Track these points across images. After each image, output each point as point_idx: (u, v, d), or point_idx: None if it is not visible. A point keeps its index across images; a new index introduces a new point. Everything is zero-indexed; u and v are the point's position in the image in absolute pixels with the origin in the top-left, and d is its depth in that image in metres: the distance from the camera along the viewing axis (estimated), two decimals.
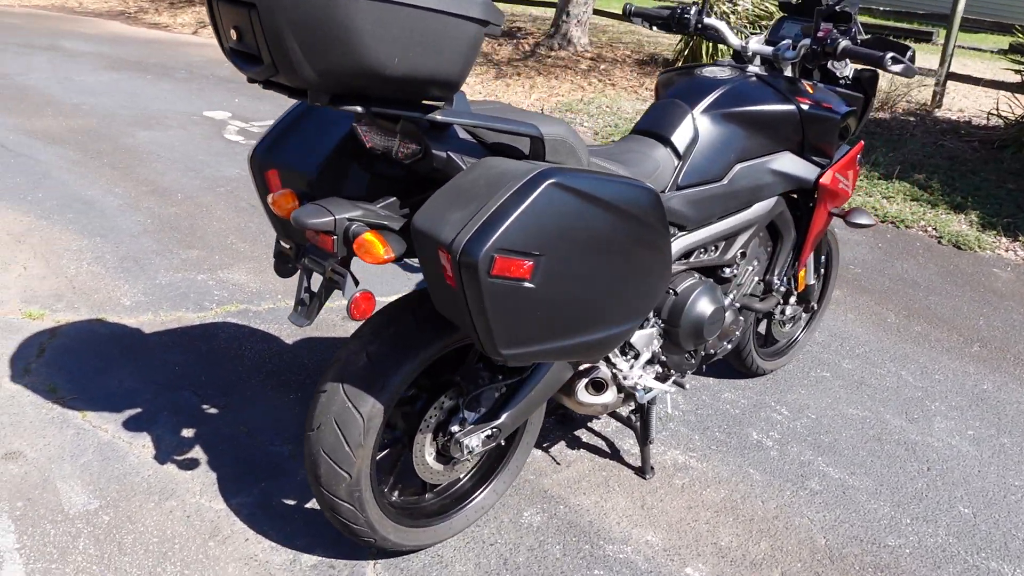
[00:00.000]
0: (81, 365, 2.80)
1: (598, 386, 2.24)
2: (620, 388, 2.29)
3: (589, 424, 2.75)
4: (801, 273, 2.97)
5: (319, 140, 1.84)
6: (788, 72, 2.54)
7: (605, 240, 1.67)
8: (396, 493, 2.08)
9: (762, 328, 3.11)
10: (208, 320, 3.20)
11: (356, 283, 1.77)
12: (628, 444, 2.67)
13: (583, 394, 2.21)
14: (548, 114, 2.05)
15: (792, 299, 3.01)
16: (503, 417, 2.02)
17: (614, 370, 2.25)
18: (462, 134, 1.71)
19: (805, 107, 2.42)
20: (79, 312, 3.15)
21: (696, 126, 2.31)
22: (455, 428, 1.99)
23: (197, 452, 2.43)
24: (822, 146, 2.53)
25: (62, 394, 2.63)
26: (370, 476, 1.87)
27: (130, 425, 2.52)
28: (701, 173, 2.31)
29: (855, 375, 3.24)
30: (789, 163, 2.49)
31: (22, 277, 3.39)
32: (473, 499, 2.19)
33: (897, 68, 2.29)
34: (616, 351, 2.26)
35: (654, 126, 2.36)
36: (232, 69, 7.59)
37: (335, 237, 1.69)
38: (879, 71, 2.58)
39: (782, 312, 3.04)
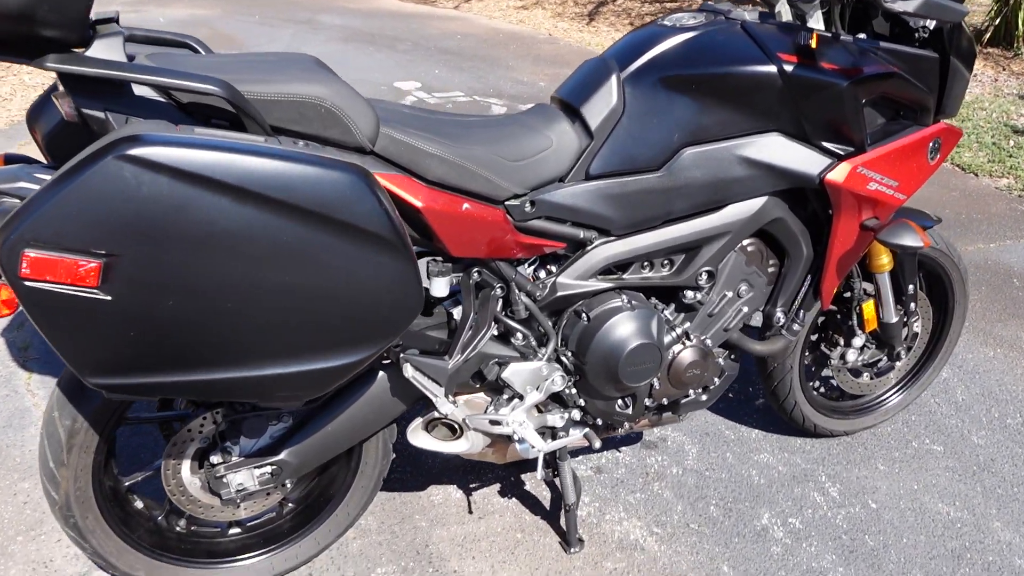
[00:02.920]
0: None
1: (451, 428, 1.73)
2: (490, 434, 1.75)
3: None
4: (868, 306, 2.15)
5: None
6: (814, 24, 1.78)
7: (246, 241, 1.18)
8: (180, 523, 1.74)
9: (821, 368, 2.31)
10: None
11: None
12: (585, 499, 2.09)
13: (419, 436, 1.71)
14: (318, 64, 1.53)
15: (858, 341, 2.20)
16: (283, 454, 1.60)
17: (468, 411, 1.72)
18: (142, 91, 1.30)
19: (790, 68, 1.67)
20: None
21: (623, 94, 1.69)
22: (216, 459, 1.60)
23: None
24: (835, 126, 1.75)
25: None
26: (96, 502, 1.55)
27: None
28: (625, 158, 1.69)
29: (980, 456, 2.32)
30: (775, 149, 1.75)
31: None
32: (286, 545, 1.78)
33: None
34: (481, 385, 1.74)
35: (568, 94, 1.78)
36: (459, 42, 7.56)
37: None
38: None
39: (841, 358, 2.23)
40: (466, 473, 2.15)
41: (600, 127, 1.69)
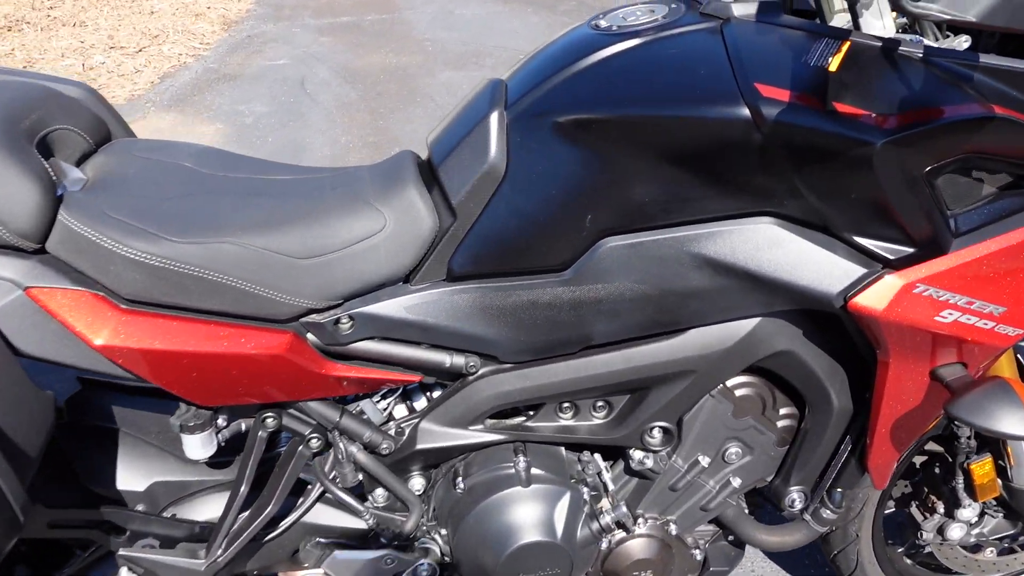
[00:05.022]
0: None
1: None
2: None
3: None
4: (981, 467, 1.35)
5: None
6: (881, 26, 1.02)
7: None
8: None
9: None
10: None
11: None
12: None
13: None
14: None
15: (967, 512, 1.40)
16: None
17: None
18: None
19: (773, 112, 0.94)
20: None
21: (506, 145, 1.05)
22: None
23: None
24: (873, 212, 0.99)
25: None
26: None
27: None
28: (508, 250, 1.06)
29: None
30: (763, 247, 1.02)
31: None
32: None
33: None
34: None
35: (436, 141, 1.14)
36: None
37: None
38: None
39: (938, 533, 1.44)
40: None
41: (466, 199, 1.06)
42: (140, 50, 5.53)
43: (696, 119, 0.97)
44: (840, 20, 1.12)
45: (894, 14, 1.01)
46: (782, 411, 1.21)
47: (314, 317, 1.07)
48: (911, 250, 1.01)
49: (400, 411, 1.21)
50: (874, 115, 0.94)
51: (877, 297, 1.00)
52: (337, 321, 1.07)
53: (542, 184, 1.03)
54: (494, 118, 1.05)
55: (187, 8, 6.62)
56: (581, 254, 1.04)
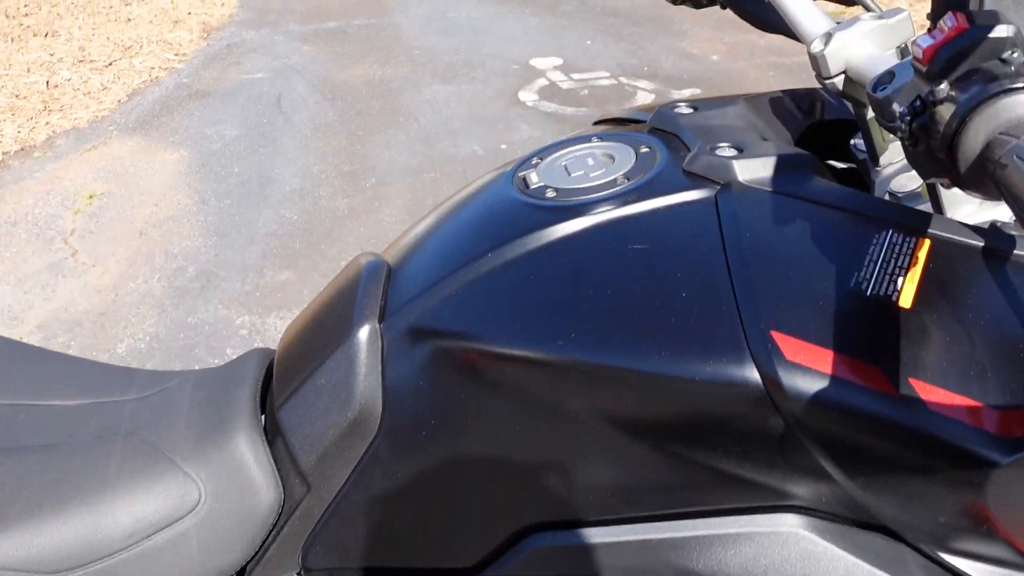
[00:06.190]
0: None
1: None
2: None
3: None
4: None
5: None
6: (885, 166, 0.67)
7: None
8: None
9: None
10: None
11: None
12: None
13: None
14: None
15: None
16: None
17: None
18: None
19: (795, 380, 0.58)
20: None
21: (383, 382, 0.70)
22: None
23: None
24: (968, 530, 0.59)
25: None
26: None
27: None
28: (389, 541, 0.71)
29: None
30: (794, 562, 0.64)
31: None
32: None
33: None
34: None
35: (285, 354, 0.80)
36: (622, 4, 6.35)
37: None
38: None
39: None
40: None
41: (322, 462, 0.72)
42: (110, 64, 5.19)
43: (676, 380, 0.62)
44: (894, 158, 0.76)
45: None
46: None
47: None
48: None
49: None
50: (990, 409, 0.55)
51: None
52: None
53: (438, 444, 0.69)
54: (362, 337, 0.71)
55: (166, 14, 6.28)
56: (500, 554, 0.70)
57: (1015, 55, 0.49)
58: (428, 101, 4.51)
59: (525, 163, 0.78)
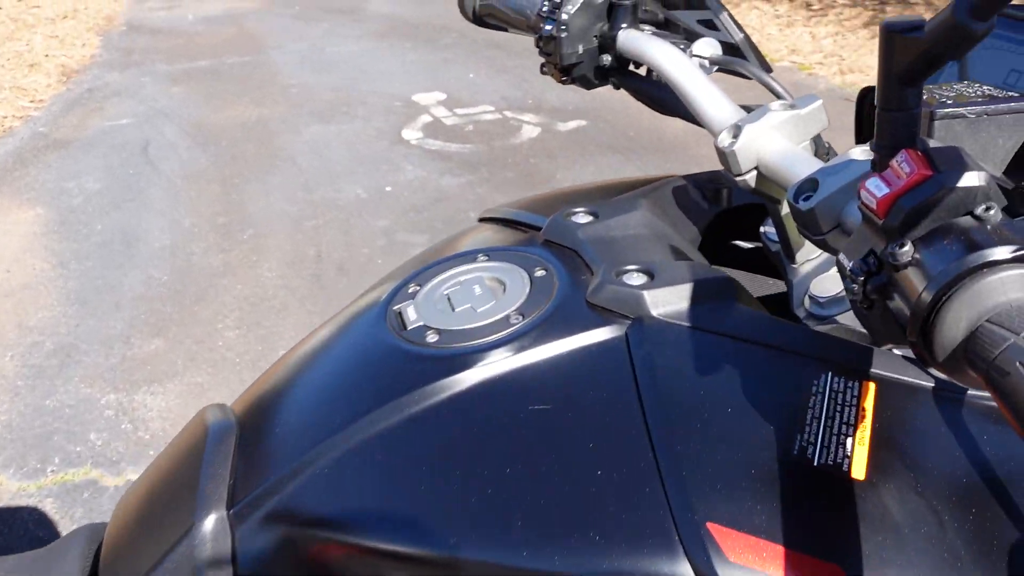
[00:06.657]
0: None
1: None
2: None
3: None
4: None
5: None
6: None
7: None
8: None
9: None
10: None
11: None
12: None
13: None
14: None
15: None
16: None
17: None
18: None
19: None
20: None
21: None
22: None
23: None
24: None
25: None
26: None
27: None
28: None
29: None
30: None
31: None
32: None
33: None
34: None
35: (116, 535, 0.65)
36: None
37: None
38: None
39: None
40: None
41: None
42: None
43: None
44: (811, 254, 0.68)
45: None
46: None
47: None
48: None
49: None
50: None
51: None
52: None
53: None
54: (207, 529, 0.56)
55: (20, 57, 5.88)
56: None
57: (990, 212, 0.40)
58: (307, 142, 4.32)
59: (400, 291, 0.66)
